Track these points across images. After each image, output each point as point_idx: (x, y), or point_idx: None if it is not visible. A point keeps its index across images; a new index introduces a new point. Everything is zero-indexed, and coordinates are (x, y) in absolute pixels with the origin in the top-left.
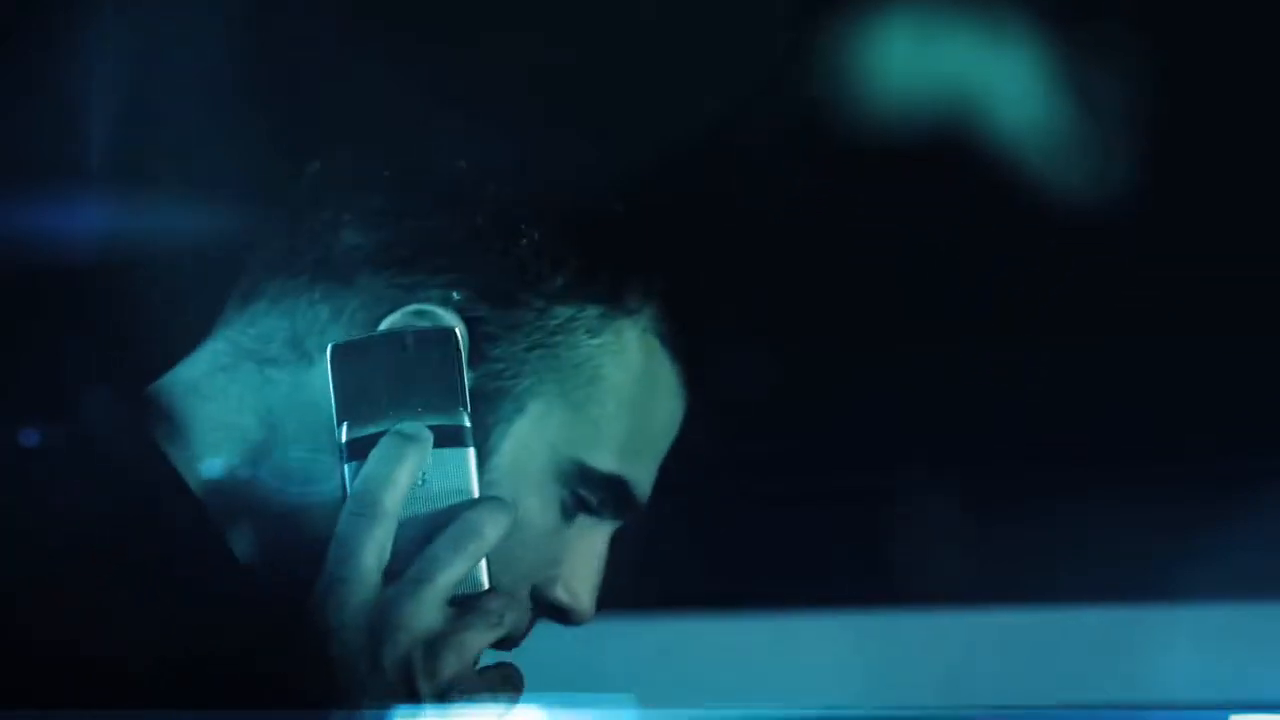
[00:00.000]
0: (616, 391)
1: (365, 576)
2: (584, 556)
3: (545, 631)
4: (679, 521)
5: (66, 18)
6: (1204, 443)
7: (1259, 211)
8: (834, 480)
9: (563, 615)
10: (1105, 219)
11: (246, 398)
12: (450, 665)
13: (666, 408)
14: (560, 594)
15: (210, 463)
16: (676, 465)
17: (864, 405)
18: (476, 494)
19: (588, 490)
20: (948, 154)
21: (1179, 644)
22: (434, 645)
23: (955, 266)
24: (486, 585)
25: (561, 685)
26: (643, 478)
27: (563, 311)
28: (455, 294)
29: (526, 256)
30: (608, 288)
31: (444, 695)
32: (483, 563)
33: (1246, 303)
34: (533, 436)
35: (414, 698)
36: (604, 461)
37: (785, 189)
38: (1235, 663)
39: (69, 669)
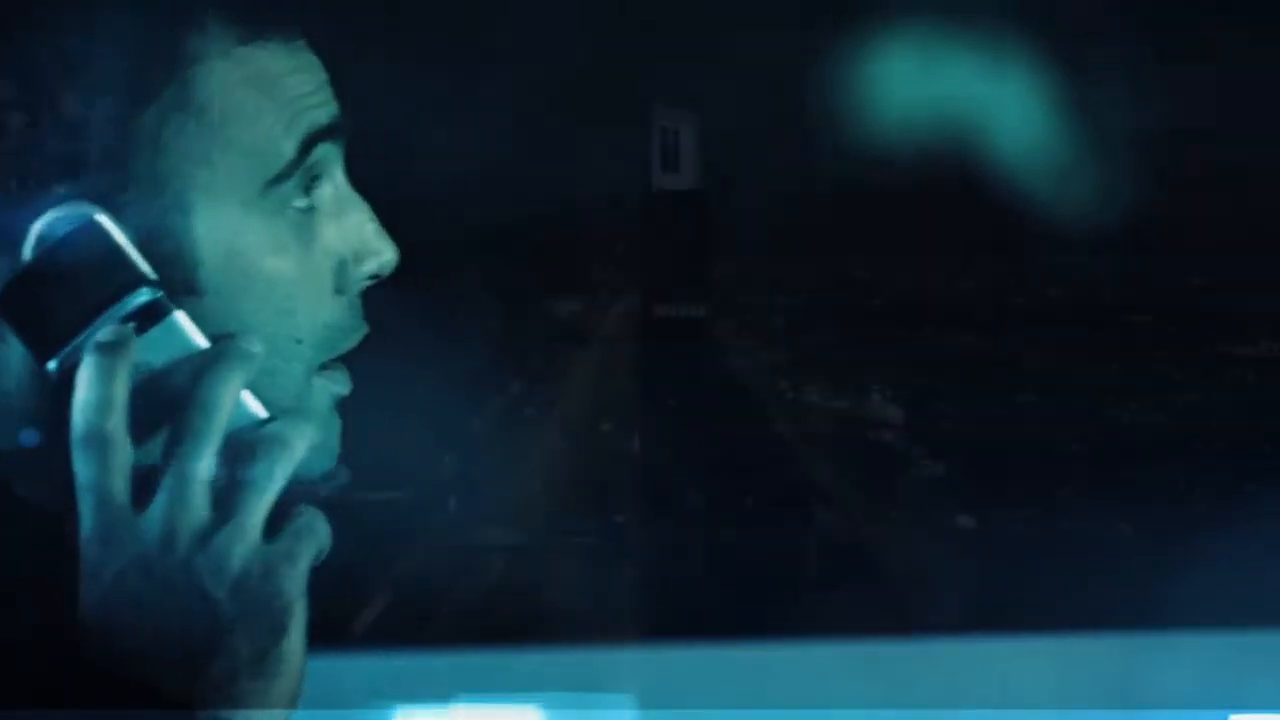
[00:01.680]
0: (240, 108)
1: (116, 511)
2: (344, 223)
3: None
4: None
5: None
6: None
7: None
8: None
9: (378, 277)
10: (1104, 229)
11: None
12: (236, 556)
13: (295, 73)
14: (360, 270)
15: None
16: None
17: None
18: (206, 345)
19: (302, 181)
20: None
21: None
22: (207, 542)
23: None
24: (264, 414)
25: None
26: (320, 124)
27: (154, 120)
28: (58, 186)
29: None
30: (165, 66)
31: (245, 584)
32: (245, 398)
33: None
34: (223, 218)
35: (212, 605)
36: (286, 148)
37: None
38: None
39: None
